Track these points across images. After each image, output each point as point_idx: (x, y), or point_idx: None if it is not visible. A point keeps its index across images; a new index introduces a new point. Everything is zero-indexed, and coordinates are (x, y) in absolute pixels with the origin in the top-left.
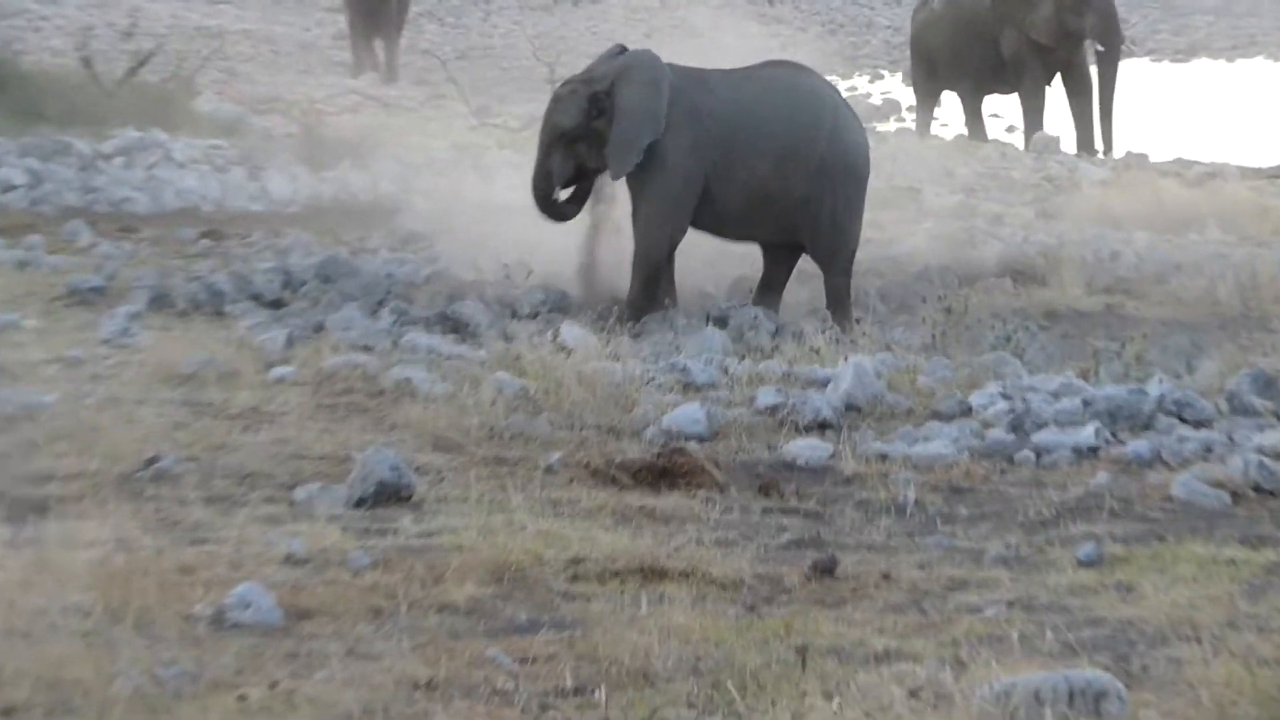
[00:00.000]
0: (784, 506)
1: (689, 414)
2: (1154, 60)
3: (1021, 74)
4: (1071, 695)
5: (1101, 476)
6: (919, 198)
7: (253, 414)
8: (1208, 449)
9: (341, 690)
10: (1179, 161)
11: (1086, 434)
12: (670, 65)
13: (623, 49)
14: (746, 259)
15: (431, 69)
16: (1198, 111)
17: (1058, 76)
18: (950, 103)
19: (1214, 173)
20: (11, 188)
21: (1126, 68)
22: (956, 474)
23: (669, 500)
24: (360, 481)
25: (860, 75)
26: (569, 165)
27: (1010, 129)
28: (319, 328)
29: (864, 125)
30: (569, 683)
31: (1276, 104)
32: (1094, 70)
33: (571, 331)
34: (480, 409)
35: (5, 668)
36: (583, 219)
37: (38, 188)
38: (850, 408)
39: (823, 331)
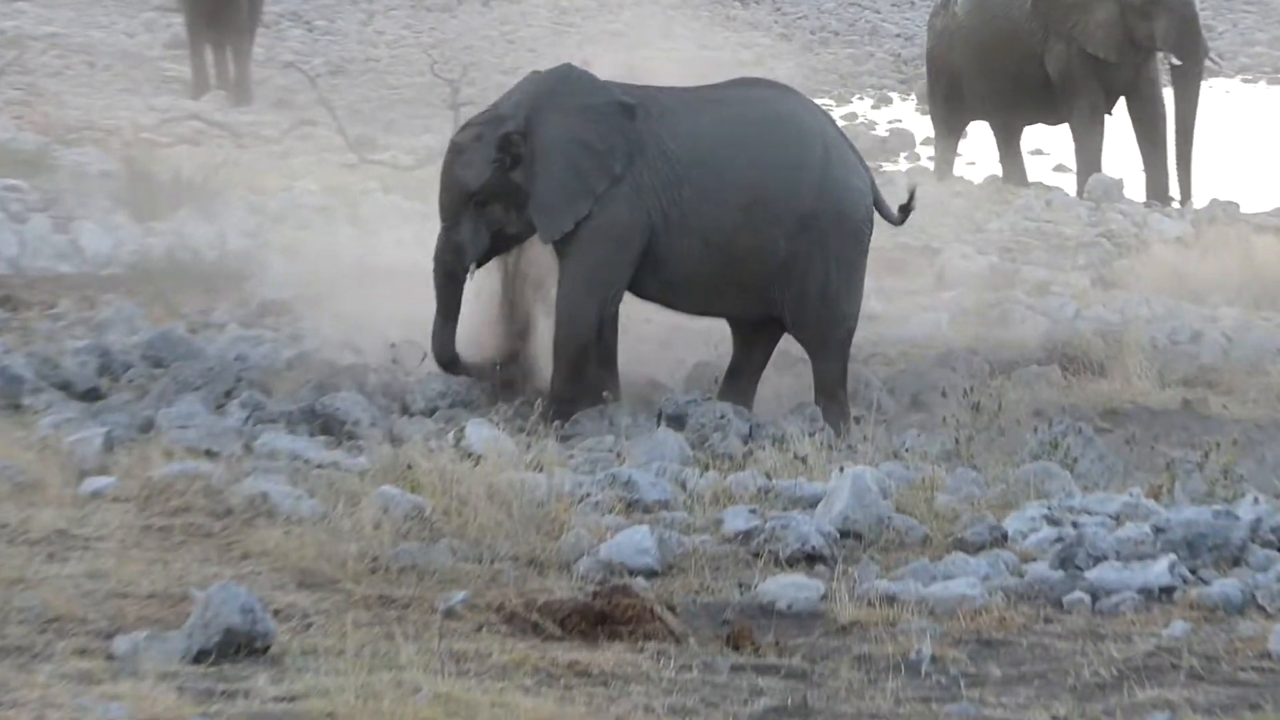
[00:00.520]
0: (759, 664)
1: (635, 541)
2: (1246, 80)
3: (1073, 98)
4: None
5: (1177, 626)
6: (939, 259)
7: (60, 539)
8: None
9: None
10: (1279, 213)
11: (1158, 571)
12: (608, 85)
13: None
14: (711, 337)
15: (296, 87)
16: None
17: (1120, 101)
18: (980, 135)
19: None
20: None
21: (1210, 89)
22: (987, 622)
23: (608, 654)
24: (201, 628)
25: (861, 98)
26: (483, 235)
27: (1059, 169)
28: (147, 426)
29: (865, 164)
30: None
31: None
32: (1168, 93)
33: (479, 432)
34: (360, 534)
35: None
36: (491, 276)
37: None
38: (847, 534)
39: (811, 434)
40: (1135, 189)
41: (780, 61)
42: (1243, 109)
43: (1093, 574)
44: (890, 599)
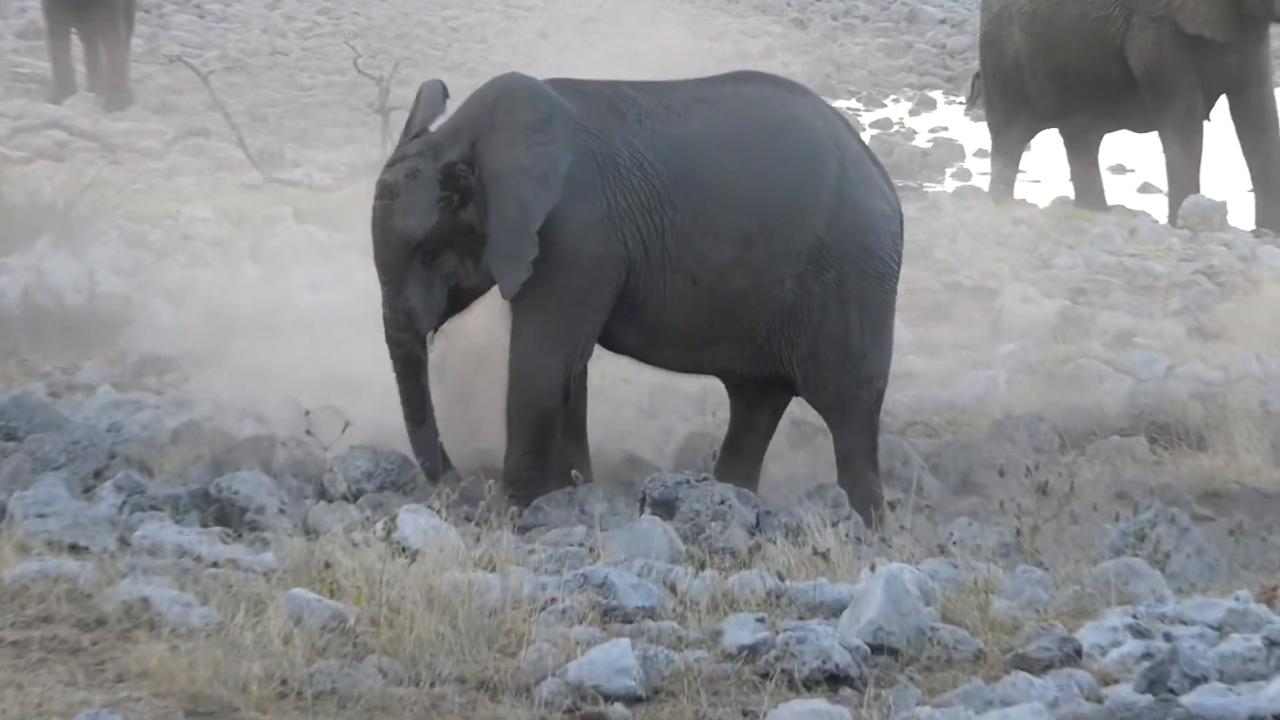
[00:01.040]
0: None
1: (612, 659)
2: None
3: (1163, 97)
4: None
5: None
6: (995, 303)
7: None
8: None
9: None
10: None
11: (1272, 694)
12: (566, 85)
13: (441, 87)
14: (706, 400)
15: (184, 87)
16: None
17: (1222, 101)
18: (1047, 146)
19: None
20: None
21: None
22: None
23: None
24: None
25: (897, 100)
26: (438, 293)
27: (1145, 189)
28: None
29: (891, 182)
30: None
31: None
32: None
33: (416, 522)
34: (265, 649)
35: None
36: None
37: None
38: (880, 649)
39: (834, 523)
40: (1242, 214)
41: (795, 54)
42: None
43: (1190, 699)
44: None
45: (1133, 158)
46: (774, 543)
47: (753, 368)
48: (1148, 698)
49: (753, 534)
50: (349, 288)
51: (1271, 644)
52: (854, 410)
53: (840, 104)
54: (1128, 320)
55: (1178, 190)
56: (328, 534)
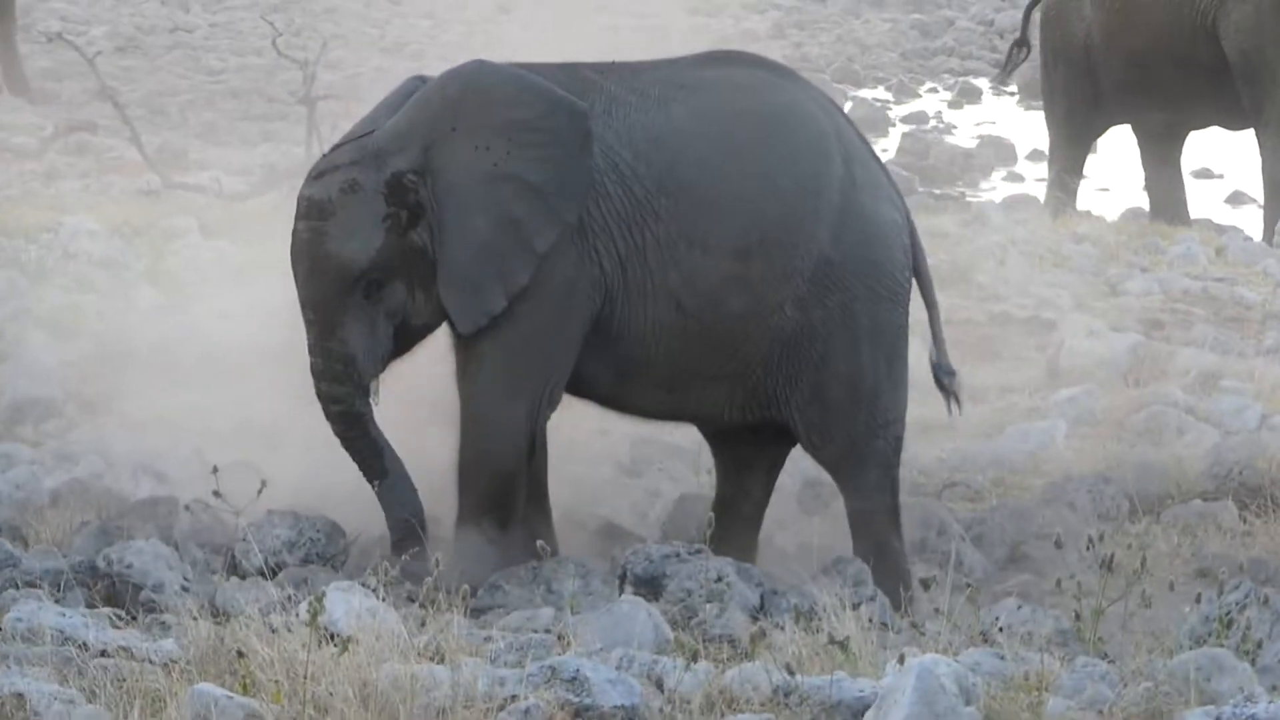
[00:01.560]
0: None
1: None
2: None
3: (1263, 86)
4: None
5: None
6: (1053, 338)
7: None
8: None
9: None
10: None
11: None
12: (532, 68)
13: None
14: (701, 457)
15: (66, 71)
16: None
17: None
18: (1117, 145)
19: None
20: None
21: None
22: None
23: None
24: None
25: (935, 89)
26: (383, 333)
27: (1235, 199)
28: None
29: (896, 184)
30: None
31: None
32: None
33: (347, 602)
34: None
35: None
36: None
37: None
38: None
39: (855, 605)
40: None
41: (810, 33)
42: None
43: None
44: None
45: (1221, 161)
46: (782, 629)
47: (745, 413)
48: None
49: (756, 618)
50: (266, 317)
51: None
52: (869, 463)
53: (866, 94)
54: (1213, 359)
55: (1276, 201)
56: (240, 616)
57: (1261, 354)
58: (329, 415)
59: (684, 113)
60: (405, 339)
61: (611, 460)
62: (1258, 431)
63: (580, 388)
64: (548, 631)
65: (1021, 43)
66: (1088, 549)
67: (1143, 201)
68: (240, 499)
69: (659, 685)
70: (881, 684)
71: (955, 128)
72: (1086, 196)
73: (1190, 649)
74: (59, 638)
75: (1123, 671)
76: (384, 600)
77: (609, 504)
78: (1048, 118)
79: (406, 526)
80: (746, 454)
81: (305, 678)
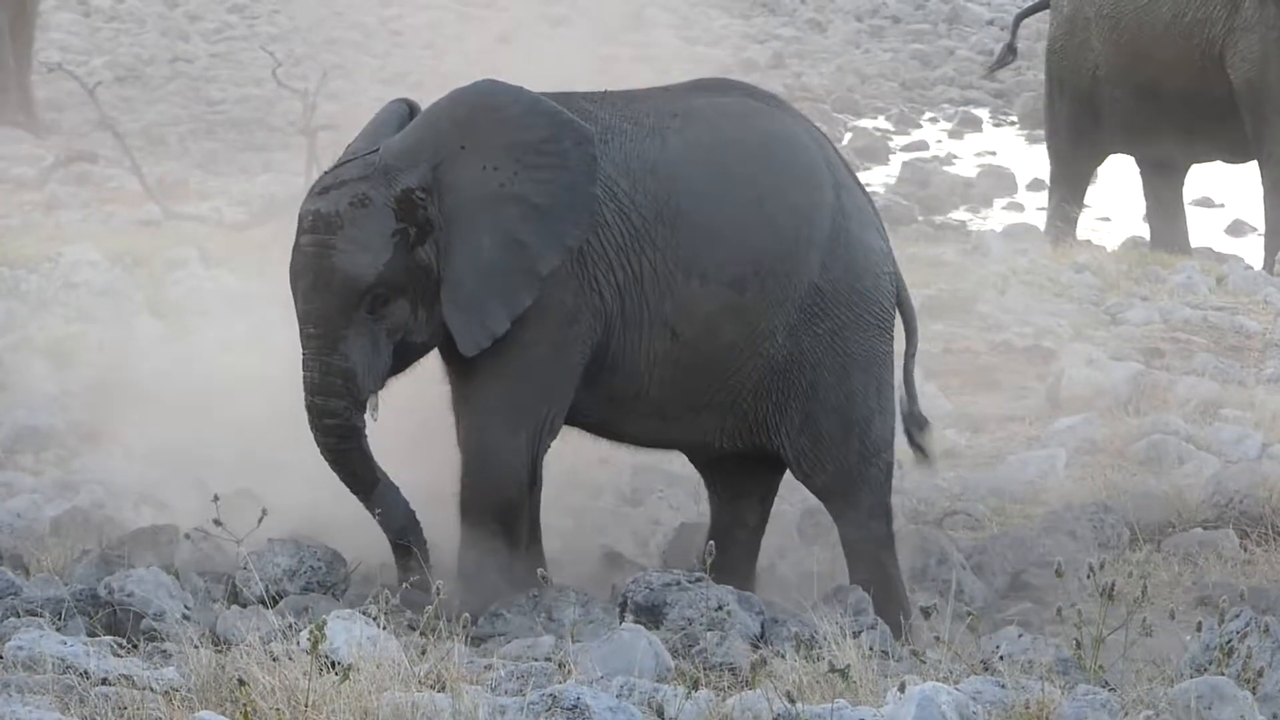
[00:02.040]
0: None
1: None
2: None
3: (1267, 118)
4: None
5: None
6: (1054, 367)
7: None
8: None
9: None
10: None
11: None
12: (558, 99)
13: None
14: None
15: (67, 101)
16: None
17: None
18: (1117, 174)
19: None
20: None
21: None
22: None
23: None
24: None
25: (935, 118)
26: (384, 351)
27: (1236, 228)
28: None
29: (878, 213)
30: None
31: None
32: None
33: (348, 630)
34: None
35: None
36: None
37: None
38: None
39: (855, 633)
40: None
41: (811, 63)
42: None
43: None
44: None
45: (1221, 190)
46: (783, 657)
47: (735, 440)
48: None
49: (757, 646)
50: (267, 348)
51: None
52: (862, 491)
53: (866, 123)
54: (1214, 388)
55: (1277, 231)
56: (241, 645)
57: (1262, 383)
58: (321, 428)
59: (679, 141)
60: (404, 356)
61: (612, 489)
62: (1258, 460)
63: (572, 416)
64: (548, 660)
65: (1011, 47)
66: (1088, 577)
67: (1143, 230)
68: (241, 527)
69: (660, 713)
70: (882, 712)
71: (956, 157)
72: (1087, 226)
73: (1191, 677)
74: (60, 666)
75: (1124, 700)
76: (385, 628)
77: (610, 532)
78: (1050, 147)
79: (405, 534)
80: (739, 483)
81: (306, 706)
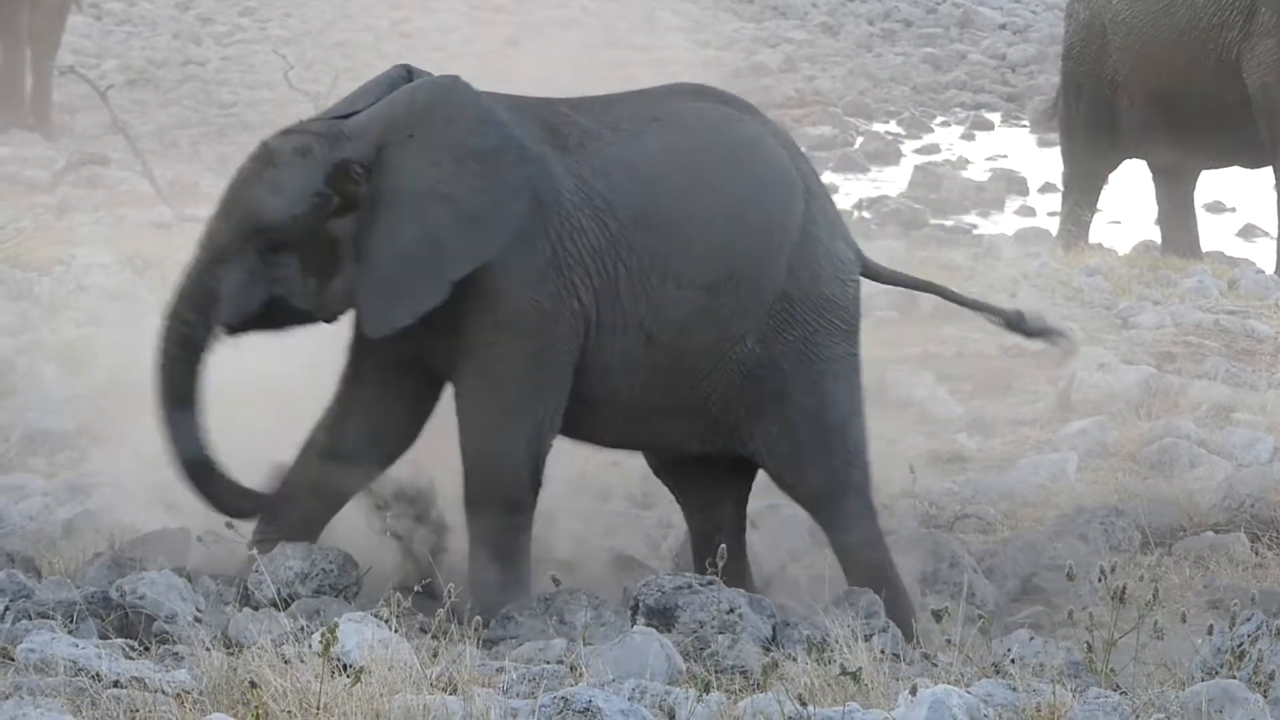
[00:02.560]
0: None
1: None
2: None
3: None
4: None
5: None
6: (1065, 371)
7: None
8: None
9: None
10: None
11: None
12: (494, 98)
13: (408, 73)
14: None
15: (79, 104)
16: None
17: None
18: (1128, 178)
19: None
20: None
21: None
22: None
23: None
24: None
25: (946, 122)
26: (258, 293)
27: (1248, 232)
28: None
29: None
30: None
31: None
32: None
33: (360, 633)
34: None
35: None
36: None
37: None
38: None
39: (866, 636)
40: None
41: (822, 66)
42: None
43: None
44: None
45: (1233, 195)
46: (794, 660)
47: (705, 444)
48: None
49: (768, 649)
50: (280, 350)
51: None
52: (848, 495)
53: (879, 127)
54: (1225, 392)
55: None
56: (253, 647)
57: (1273, 386)
58: (166, 332)
59: (657, 146)
60: (279, 315)
61: (623, 492)
62: (1270, 464)
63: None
64: (560, 662)
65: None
66: (1100, 581)
67: (1154, 235)
68: (253, 530)
69: (671, 716)
70: (894, 715)
71: (968, 161)
72: (1098, 229)
73: (1202, 680)
74: (72, 669)
75: (1135, 703)
76: (397, 631)
77: (620, 535)
78: (1064, 152)
79: (194, 471)
80: (708, 492)
81: (318, 709)
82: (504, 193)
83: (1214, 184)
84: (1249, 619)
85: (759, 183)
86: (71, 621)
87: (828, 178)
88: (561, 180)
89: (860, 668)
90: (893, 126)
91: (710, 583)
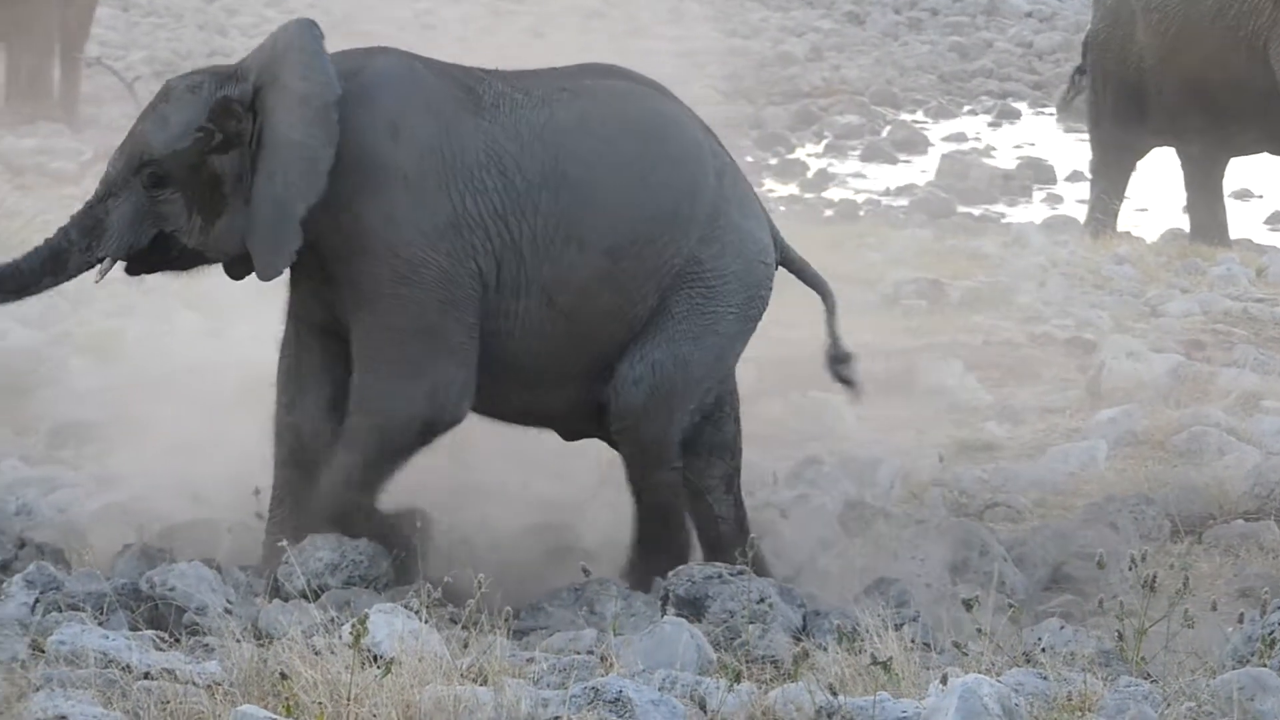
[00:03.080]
0: None
1: None
2: None
3: None
4: None
5: None
6: (1094, 359)
7: None
8: None
9: None
10: None
11: None
12: (407, 58)
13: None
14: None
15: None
16: None
17: None
18: (1157, 166)
19: None
20: None
21: None
22: None
23: None
24: None
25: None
26: (143, 229)
27: (1274, 220)
28: None
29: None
30: None
31: None
32: None
33: (391, 624)
34: None
35: None
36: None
37: None
38: None
39: (896, 625)
40: None
41: (848, 55)
42: None
43: None
44: None
45: (1261, 182)
46: (824, 649)
47: (577, 413)
48: None
49: (799, 639)
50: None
51: None
52: (663, 447)
53: (905, 116)
54: (1255, 380)
55: None
56: (283, 639)
57: (1267, 376)
58: (50, 243)
59: (567, 113)
60: (168, 254)
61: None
62: None
63: None
64: (590, 653)
65: (1082, 70)
66: (1130, 569)
67: (1183, 222)
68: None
69: (702, 706)
70: (924, 704)
71: (994, 149)
72: (1126, 217)
73: (1233, 669)
74: (102, 660)
75: (1166, 692)
76: (427, 622)
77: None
78: (1093, 139)
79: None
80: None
81: (348, 700)
82: (320, 134)
83: (1242, 171)
84: (1279, 607)
85: (666, 153)
86: (102, 613)
87: (855, 166)
88: (468, 139)
89: (891, 657)
90: (919, 115)
91: (740, 572)
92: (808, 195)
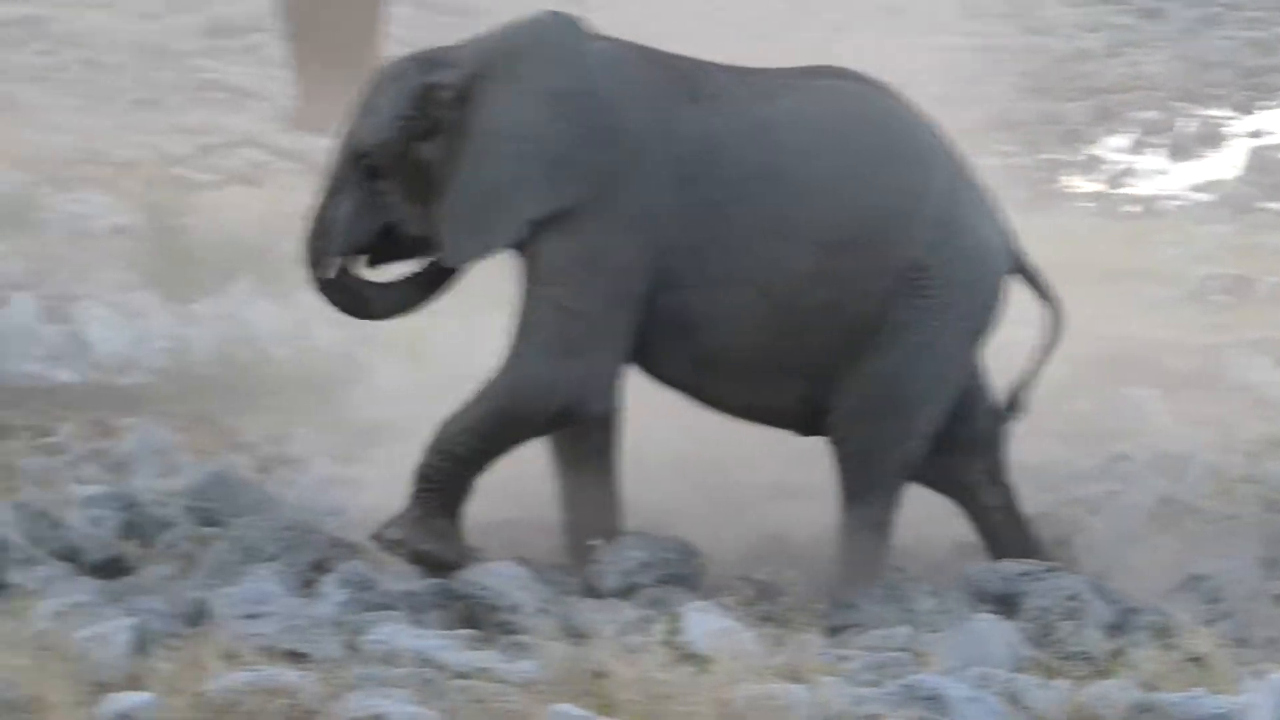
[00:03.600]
0: None
1: None
2: None
3: None
4: None
5: None
6: None
7: None
8: None
9: None
10: None
11: None
12: (623, 46)
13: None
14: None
15: None
16: None
17: None
18: None
19: None
20: None
21: None
22: None
23: None
24: None
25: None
26: (366, 221)
27: None
28: (197, 615)
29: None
30: None
31: None
32: None
33: (705, 623)
34: None
35: None
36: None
37: None
38: None
39: (1209, 621)
40: None
41: (1146, 51)
42: None
43: None
44: None
45: None
46: (1139, 646)
47: (802, 405)
48: None
49: (1113, 635)
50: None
51: None
52: (885, 469)
53: (1207, 112)
54: None
55: None
56: (597, 637)
57: None
58: (303, 263)
59: (791, 107)
60: (395, 244)
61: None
62: None
63: (661, 378)
64: (905, 650)
65: None
66: None
67: None
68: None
69: (1016, 702)
70: (1240, 700)
71: (1222, 139)
72: None
73: None
74: (417, 659)
75: None
76: (739, 620)
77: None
78: None
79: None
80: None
81: (663, 698)
82: (584, 132)
83: None
84: None
85: (892, 151)
86: (415, 612)
87: (1155, 163)
88: (683, 128)
89: (1206, 653)
90: (1220, 110)
91: (1052, 569)
92: (1109, 191)
